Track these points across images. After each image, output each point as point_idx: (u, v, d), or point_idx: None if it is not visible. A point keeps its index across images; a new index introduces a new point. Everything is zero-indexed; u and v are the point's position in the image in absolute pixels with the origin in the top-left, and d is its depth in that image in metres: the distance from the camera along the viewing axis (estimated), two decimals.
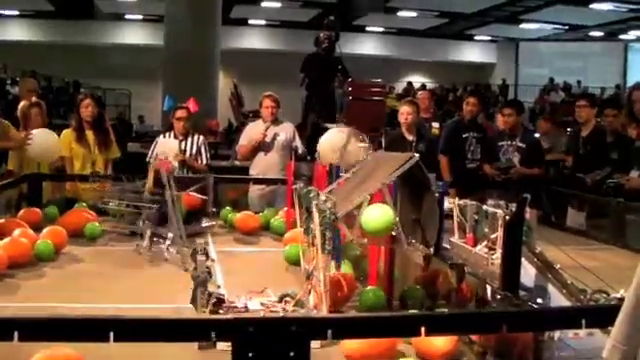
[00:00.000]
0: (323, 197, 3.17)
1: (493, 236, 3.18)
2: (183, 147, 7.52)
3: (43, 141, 6.76)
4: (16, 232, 4.93)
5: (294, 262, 4.85)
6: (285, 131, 7.97)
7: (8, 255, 4.47)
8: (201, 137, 7.83)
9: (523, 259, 2.97)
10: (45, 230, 5.17)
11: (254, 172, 7.99)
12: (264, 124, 7.96)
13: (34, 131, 6.84)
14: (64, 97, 20.80)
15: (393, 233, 3.38)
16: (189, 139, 7.62)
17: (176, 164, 6.71)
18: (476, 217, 3.54)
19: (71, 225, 5.55)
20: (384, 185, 3.33)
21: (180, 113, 7.63)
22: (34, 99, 7.52)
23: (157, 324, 2.20)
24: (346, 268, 3.99)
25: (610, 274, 3.23)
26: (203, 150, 7.66)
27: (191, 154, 7.54)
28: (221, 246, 5.40)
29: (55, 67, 24.01)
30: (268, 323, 2.16)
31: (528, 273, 3.04)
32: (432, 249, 3.56)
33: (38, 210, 6.03)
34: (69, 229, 5.39)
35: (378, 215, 3.23)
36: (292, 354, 2.14)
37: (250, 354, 2.12)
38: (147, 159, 7.27)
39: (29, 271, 4.54)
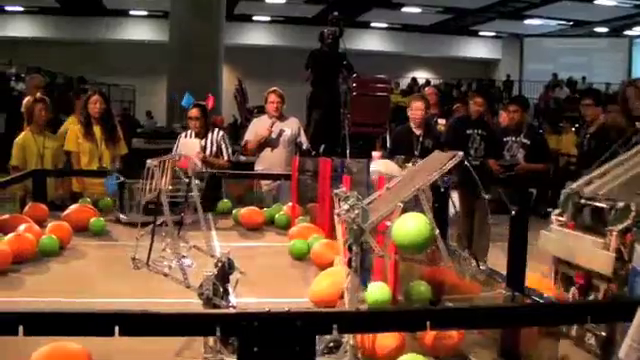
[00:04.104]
0: (346, 205, 2.72)
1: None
2: (203, 145, 7.53)
3: None
4: (21, 227, 4.94)
5: (299, 257, 4.87)
6: (290, 126, 7.94)
7: (13, 250, 4.47)
8: (220, 132, 7.82)
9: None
10: (50, 225, 5.18)
11: (260, 168, 7.97)
12: (269, 119, 7.95)
13: None
14: (69, 93, 20.76)
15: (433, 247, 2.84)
16: (209, 136, 7.62)
17: (198, 163, 6.90)
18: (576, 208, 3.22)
19: (76, 220, 5.55)
20: (420, 191, 2.80)
21: (192, 113, 7.63)
22: (38, 95, 7.52)
23: (162, 318, 2.19)
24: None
25: None
26: (223, 146, 7.66)
27: (211, 152, 7.57)
28: (225, 241, 5.40)
29: (60, 63, 24.02)
30: (273, 318, 2.15)
31: None
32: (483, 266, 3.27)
33: (44, 206, 6.03)
34: (74, 224, 5.39)
35: (412, 227, 2.71)
36: (297, 349, 2.13)
37: (255, 349, 2.11)
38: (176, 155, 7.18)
39: (34, 266, 4.55)
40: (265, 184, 7.82)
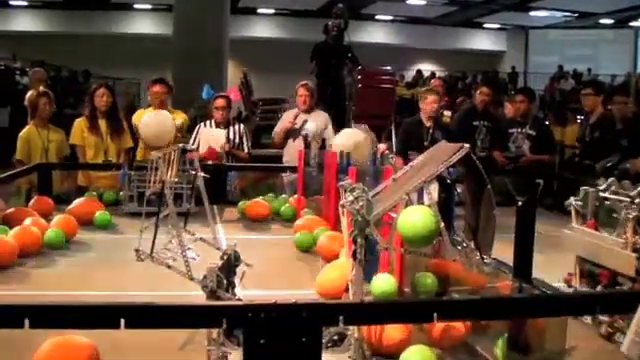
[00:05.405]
0: (351, 196, 2.67)
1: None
2: (226, 135, 7.67)
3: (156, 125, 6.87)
4: (27, 221, 4.94)
5: (304, 249, 4.86)
6: (316, 120, 7.98)
7: (19, 243, 4.48)
8: (242, 126, 8.02)
9: None
10: (55, 219, 5.18)
11: (285, 159, 8.06)
12: (297, 112, 8.05)
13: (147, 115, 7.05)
14: (74, 87, 20.79)
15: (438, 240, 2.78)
16: (231, 128, 7.78)
17: (223, 153, 7.26)
18: (597, 204, 3.27)
19: (81, 214, 5.55)
20: (425, 184, 2.74)
21: (218, 102, 7.83)
22: (42, 88, 7.52)
23: (168, 310, 2.19)
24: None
25: None
26: (245, 139, 7.83)
27: (234, 144, 7.70)
28: (231, 233, 5.40)
29: (64, 57, 24.00)
30: (279, 309, 2.14)
31: None
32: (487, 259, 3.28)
33: (49, 199, 6.04)
34: (79, 218, 5.40)
35: (417, 220, 2.65)
36: (303, 340, 2.13)
37: (261, 341, 2.10)
38: (189, 146, 7.19)
39: (40, 259, 4.55)
40: (285, 175, 7.91)
